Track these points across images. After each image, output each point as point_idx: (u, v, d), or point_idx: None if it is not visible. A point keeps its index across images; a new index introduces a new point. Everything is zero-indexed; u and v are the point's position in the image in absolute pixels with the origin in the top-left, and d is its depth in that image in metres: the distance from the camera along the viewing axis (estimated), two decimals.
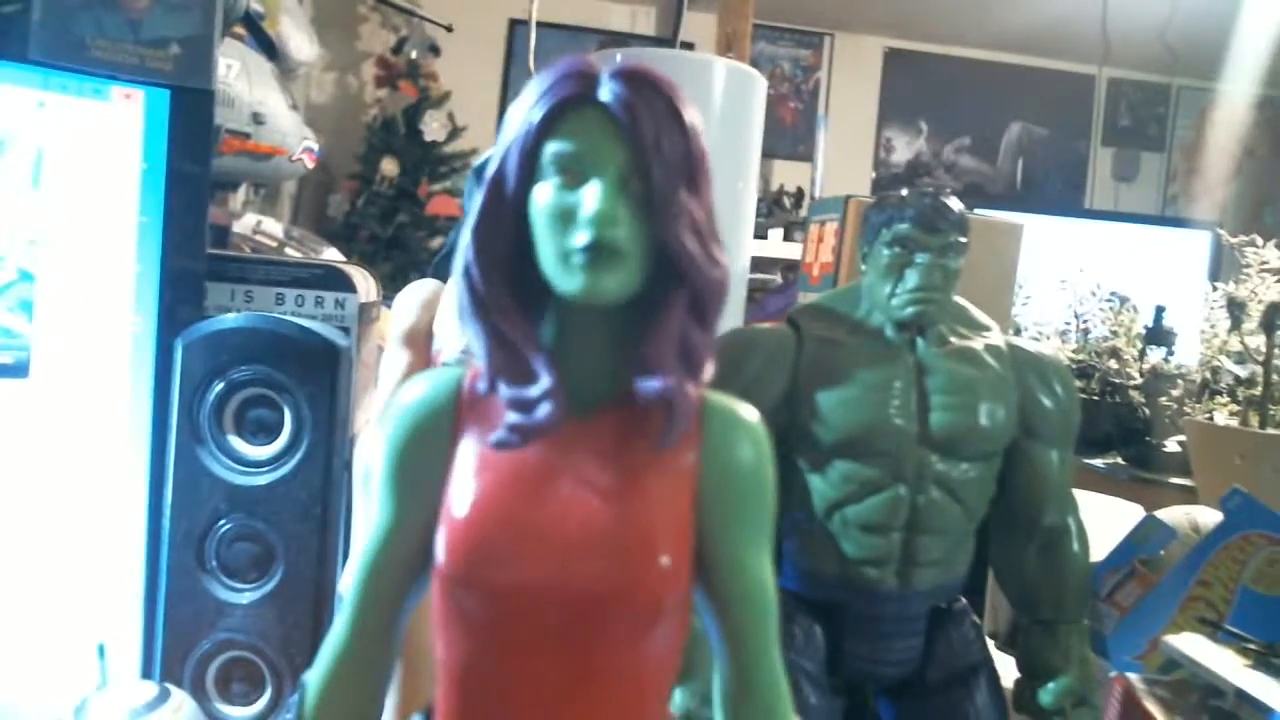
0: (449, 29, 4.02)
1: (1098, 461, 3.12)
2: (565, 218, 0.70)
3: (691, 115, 0.73)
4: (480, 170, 1.40)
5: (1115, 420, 3.22)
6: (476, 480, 0.73)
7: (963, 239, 1.26)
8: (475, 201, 0.75)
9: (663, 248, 0.71)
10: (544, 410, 0.71)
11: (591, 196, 0.69)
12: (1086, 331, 3.52)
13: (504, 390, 0.73)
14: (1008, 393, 1.29)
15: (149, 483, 1.50)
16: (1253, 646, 1.40)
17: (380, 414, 1.41)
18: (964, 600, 1.37)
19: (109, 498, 1.52)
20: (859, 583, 1.27)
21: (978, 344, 1.31)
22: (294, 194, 4.31)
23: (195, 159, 1.49)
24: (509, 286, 0.73)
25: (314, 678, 0.79)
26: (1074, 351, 3.42)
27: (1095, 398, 3.21)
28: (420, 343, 1.39)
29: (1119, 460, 3.15)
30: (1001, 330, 1.38)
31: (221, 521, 1.45)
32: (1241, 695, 1.33)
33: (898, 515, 1.26)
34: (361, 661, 0.78)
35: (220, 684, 1.49)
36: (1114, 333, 3.45)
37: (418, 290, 1.42)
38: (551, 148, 0.71)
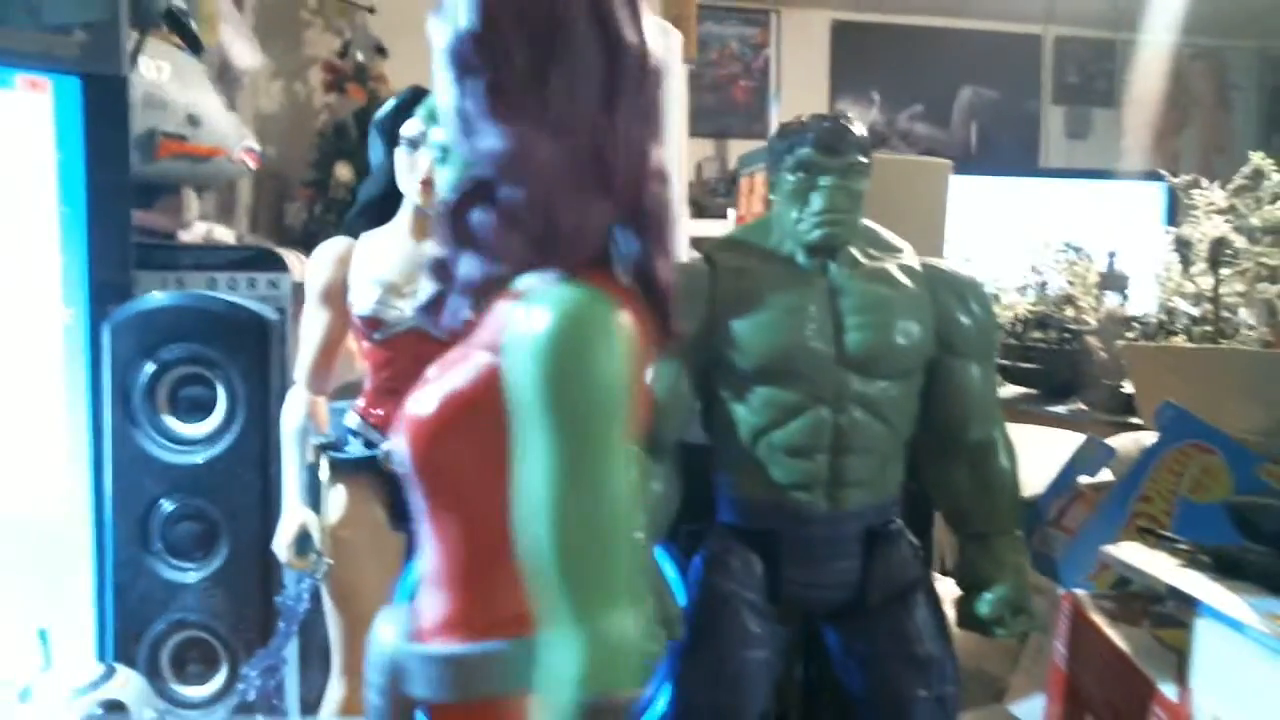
0: (371, 10, 4.03)
1: (1060, 408, 3.14)
2: None
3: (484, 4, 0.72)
4: (378, 122, 1.43)
5: (1074, 367, 3.24)
6: None
7: (864, 159, 1.28)
8: None
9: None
10: (423, 290, 0.78)
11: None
12: (1044, 284, 3.56)
13: None
14: (922, 310, 1.31)
15: (91, 468, 1.50)
16: (1183, 547, 1.43)
17: (302, 374, 1.42)
18: (899, 521, 1.39)
19: (51, 487, 1.53)
20: (790, 507, 1.29)
21: (890, 264, 1.33)
22: (250, 204, 4.30)
23: (113, 146, 1.50)
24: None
25: None
26: (1032, 304, 3.46)
27: (1054, 346, 3.23)
28: (337, 299, 1.40)
29: (1081, 406, 3.17)
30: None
31: (162, 502, 1.46)
32: (1173, 593, 1.35)
33: (821, 437, 1.27)
34: None
35: (175, 665, 1.49)
36: (1070, 282, 3.49)
37: (331, 248, 1.44)
38: None
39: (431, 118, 0.76)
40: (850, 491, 1.29)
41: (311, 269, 1.42)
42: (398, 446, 0.77)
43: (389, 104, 1.44)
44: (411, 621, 0.77)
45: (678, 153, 2.77)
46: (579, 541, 0.66)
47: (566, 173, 0.72)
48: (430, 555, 0.78)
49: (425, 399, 0.76)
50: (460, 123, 0.73)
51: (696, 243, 1.44)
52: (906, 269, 1.33)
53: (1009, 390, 3.19)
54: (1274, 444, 1.56)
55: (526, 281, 0.74)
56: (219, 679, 1.50)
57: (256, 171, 4.22)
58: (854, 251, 1.32)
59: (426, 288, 0.79)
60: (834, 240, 1.28)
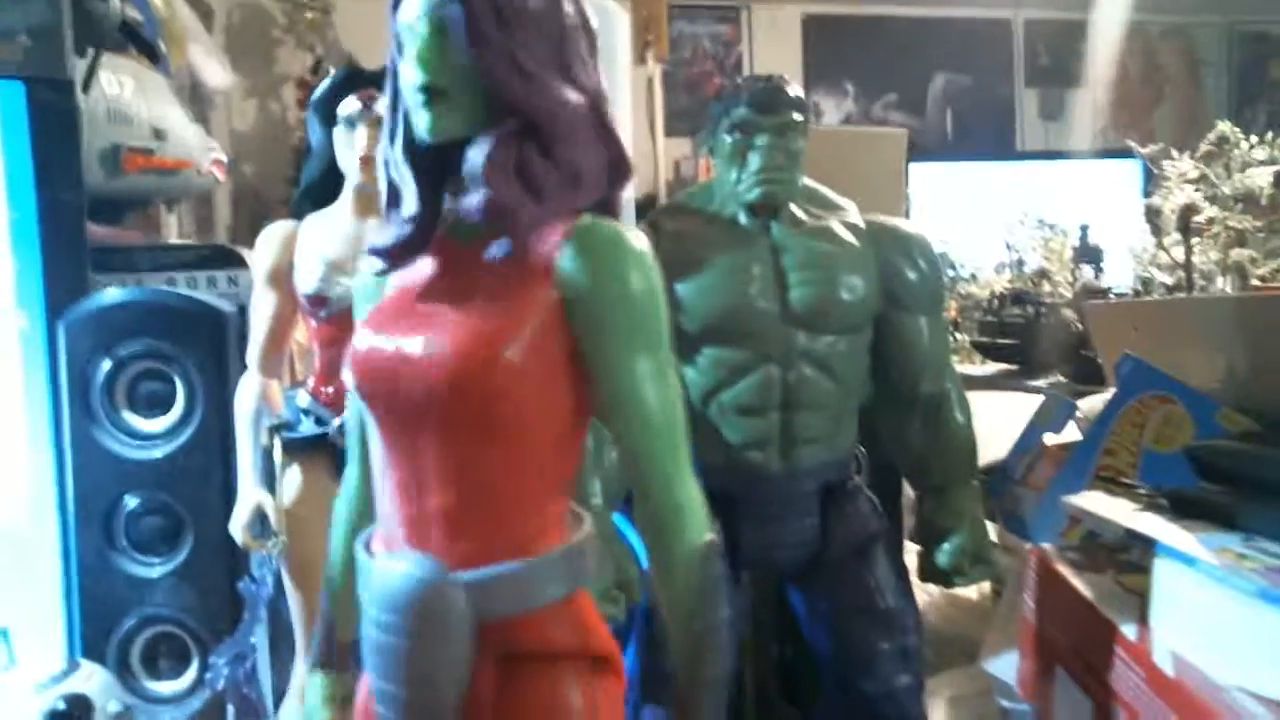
0: (325, 11, 4.05)
1: (1040, 382, 3.15)
2: (408, 71, 0.81)
3: None
4: (315, 104, 1.44)
5: (1051, 340, 3.25)
6: (373, 314, 0.87)
7: (799, 118, 1.29)
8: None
9: (487, 87, 0.80)
10: (405, 230, 0.84)
11: (414, 47, 0.80)
12: (1020, 262, 3.58)
13: (384, 227, 0.86)
14: (867, 266, 1.32)
15: (54, 467, 1.51)
16: (1143, 492, 1.43)
17: (254, 357, 1.43)
18: (857, 479, 1.40)
19: (15, 488, 1.53)
20: (745, 467, 1.29)
21: (833, 222, 1.34)
22: (229, 222, 4.32)
23: (62, 150, 1.51)
24: (405, 151, 0.85)
25: (338, 511, 0.95)
26: (1009, 281, 3.48)
27: (1031, 321, 3.25)
28: (283, 280, 1.42)
29: (1060, 379, 3.18)
30: None
31: (126, 498, 1.46)
32: (1131, 535, 1.36)
33: (771, 395, 1.28)
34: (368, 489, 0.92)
35: (146, 661, 1.49)
36: (1046, 258, 3.51)
37: (276, 231, 1.45)
38: (396, 26, 0.83)
39: (424, 67, 0.78)
40: (803, 449, 1.30)
41: (257, 253, 1.43)
42: (415, 386, 0.80)
43: (324, 84, 1.46)
44: (441, 555, 0.81)
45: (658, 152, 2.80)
46: (673, 421, 0.83)
47: (586, 123, 0.83)
48: (455, 491, 0.81)
49: (464, 332, 0.80)
50: (491, 73, 0.79)
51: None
52: (850, 226, 1.34)
53: (989, 367, 3.21)
54: (1231, 390, 1.57)
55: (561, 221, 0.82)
56: (190, 673, 1.50)
57: (235, 188, 4.25)
58: (796, 210, 1.33)
59: (386, 231, 0.85)
60: (773, 198, 1.29)
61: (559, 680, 0.84)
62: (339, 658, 0.95)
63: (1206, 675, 1.10)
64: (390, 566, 0.82)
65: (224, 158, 2.80)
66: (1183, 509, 1.32)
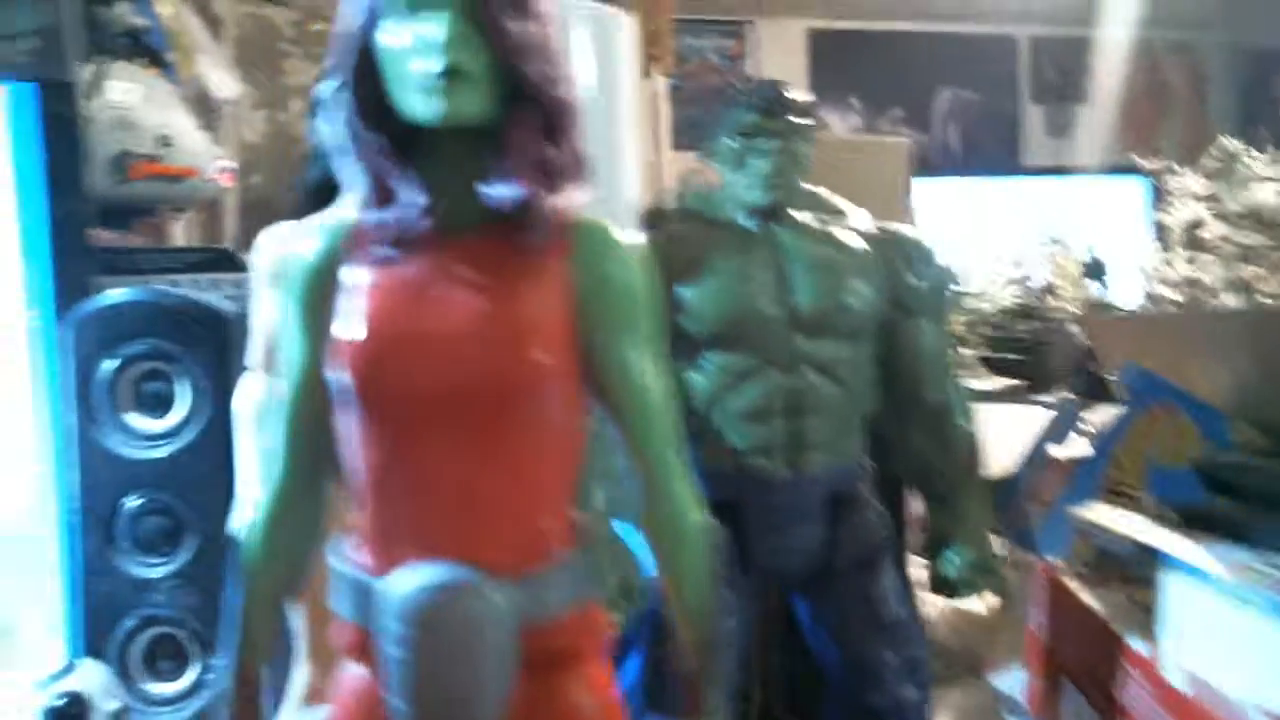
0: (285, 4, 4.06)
1: (1048, 397, 3.14)
2: (417, 49, 0.78)
3: None
4: (318, 103, 1.44)
5: (1059, 356, 3.25)
6: (364, 302, 0.82)
7: (806, 122, 1.29)
8: (333, 60, 0.83)
9: (508, 72, 0.79)
10: (415, 223, 0.80)
11: (439, 25, 0.77)
12: (1027, 277, 3.58)
13: (380, 215, 0.82)
14: (872, 271, 1.32)
15: (56, 467, 1.50)
16: (1151, 506, 1.42)
17: (255, 358, 1.43)
18: (864, 489, 1.38)
19: (18, 487, 1.53)
20: (752, 473, 1.28)
21: (838, 227, 1.34)
22: (236, 233, 4.32)
23: (67, 151, 1.51)
24: (379, 127, 0.82)
25: (258, 518, 0.88)
26: (1016, 297, 3.48)
27: (1039, 338, 3.24)
28: None
29: (1067, 394, 3.17)
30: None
31: (128, 498, 1.46)
32: (1140, 549, 1.34)
33: (775, 400, 1.27)
34: (300, 494, 0.88)
35: (146, 662, 1.49)
36: (1055, 275, 3.52)
37: (277, 233, 1.45)
38: (375, 2, 0.79)
39: (449, 48, 0.77)
40: (810, 455, 1.29)
41: (259, 253, 1.43)
42: (439, 381, 0.79)
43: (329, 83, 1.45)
44: (470, 562, 0.79)
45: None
46: (672, 411, 0.87)
47: (579, 118, 0.84)
48: (481, 492, 0.80)
49: (493, 325, 0.80)
50: (519, 59, 0.79)
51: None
52: (854, 231, 1.34)
53: (996, 382, 3.19)
54: (1239, 403, 1.55)
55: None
56: (191, 675, 1.49)
57: (243, 199, 4.25)
58: (800, 214, 1.33)
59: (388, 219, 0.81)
60: (777, 202, 1.28)
61: (589, 682, 0.85)
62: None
63: (1222, 693, 1.09)
64: (414, 580, 0.78)
65: (230, 165, 2.80)
66: (1193, 523, 1.31)
